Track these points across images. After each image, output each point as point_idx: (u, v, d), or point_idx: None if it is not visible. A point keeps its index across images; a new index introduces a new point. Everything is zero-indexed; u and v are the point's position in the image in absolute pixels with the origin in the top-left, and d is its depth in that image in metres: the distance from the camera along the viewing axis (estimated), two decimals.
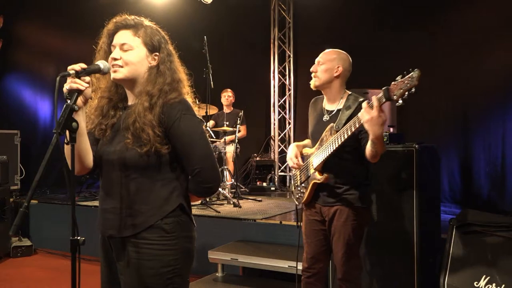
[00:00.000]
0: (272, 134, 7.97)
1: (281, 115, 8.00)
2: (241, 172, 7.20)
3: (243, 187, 6.74)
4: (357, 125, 2.30)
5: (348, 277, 2.59)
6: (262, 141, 7.92)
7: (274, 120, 7.97)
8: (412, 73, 2.07)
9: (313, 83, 2.66)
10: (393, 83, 2.12)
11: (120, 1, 6.06)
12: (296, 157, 2.72)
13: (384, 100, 2.15)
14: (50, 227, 5.56)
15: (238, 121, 5.92)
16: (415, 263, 3.06)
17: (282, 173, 7.84)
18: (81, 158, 1.74)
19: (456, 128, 5.74)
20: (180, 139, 1.70)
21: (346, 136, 2.38)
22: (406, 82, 2.07)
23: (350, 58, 2.67)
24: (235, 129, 5.93)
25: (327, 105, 2.68)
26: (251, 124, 6.94)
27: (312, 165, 2.61)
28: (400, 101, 2.11)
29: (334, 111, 2.61)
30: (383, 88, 2.15)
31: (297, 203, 2.82)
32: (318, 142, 2.62)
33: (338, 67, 2.59)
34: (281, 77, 7.94)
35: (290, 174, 7.82)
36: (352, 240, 2.55)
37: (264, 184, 7.02)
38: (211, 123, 6.50)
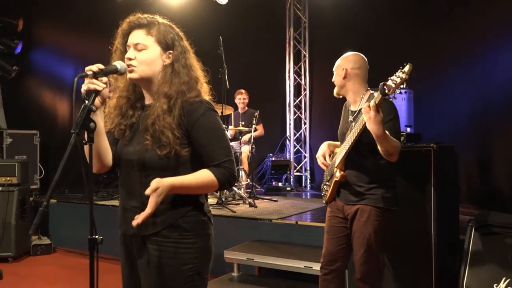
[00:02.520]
0: (287, 134, 7.95)
1: (296, 115, 7.98)
2: (256, 172, 7.20)
3: (259, 187, 6.74)
4: (363, 123, 2.36)
5: (366, 278, 2.57)
6: (278, 141, 7.91)
7: (290, 120, 7.95)
8: (404, 67, 2.17)
9: (334, 92, 2.76)
10: (390, 78, 2.20)
11: (137, 2, 6.12)
12: (323, 156, 2.75)
13: (380, 96, 2.22)
14: (68, 226, 5.64)
15: (254, 121, 5.93)
16: (433, 264, 3.02)
17: (298, 173, 7.82)
18: (101, 157, 1.76)
19: (475, 128, 5.64)
20: (206, 134, 1.71)
21: (357, 134, 2.44)
22: (398, 77, 2.16)
23: (360, 57, 2.69)
24: (250, 129, 5.94)
25: (351, 107, 2.73)
26: (267, 124, 6.94)
27: (335, 163, 2.65)
28: (392, 96, 2.22)
29: (356, 112, 2.64)
30: (380, 84, 2.23)
31: (323, 201, 2.85)
32: (343, 141, 2.66)
33: (343, 69, 2.65)
34: (296, 77, 7.92)
35: (306, 174, 7.80)
36: (372, 240, 2.53)
37: (280, 184, 7.01)
38: (229, 133, 6.41)
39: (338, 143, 2.83)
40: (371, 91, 2.64)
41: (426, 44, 5.98)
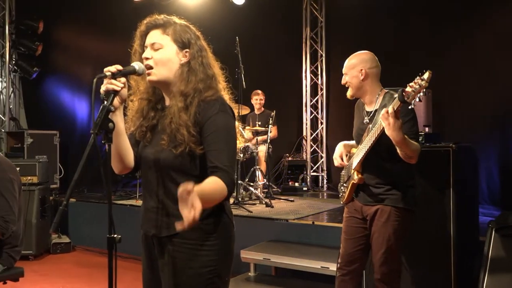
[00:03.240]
0: (304, 134, 7.93)
1: (313, 115, 7.95)
2: (273, 172, 7.20)
3: (275, 187, 6.73)
4: (382, 127, 2.33)
5: (386, 279, 2.55)
6: (294, 141, 7.89)
7: (306, 120, 7.92)
8: (424, 74, 2.10)
9: (348, 94, 2.68)
10: (408, 85, 2.14)
11: (154, 3, 6.18)
12: (340, 157, 2.73)
13: (398, 103, 2.18)
14: (87, 225, 5.72)
15: (270, 121, 5.92)
16: (452, 266, 2.98)
17: (314, 173, 7.78)
18: (122, 157, 1.77)
19: (495, 128, 5.55)
20: (214, 133, 1.69)
21: (376, 136, 2.40)
22: (417, 84, 2.10)
23: (372, 55, 2.64)
24: (267, 129, 5.94)
25: (367, 107, 2.68)
26: (283, 124, 6.93)
27: (352, 165, 2.62)
28: (412, 105, 2.15)
29: (372, 112, 2.60)
30: (399, 90, 2.18)
31: (341, 202, 2.83)
32: (360, 143, 2.63)
33: (361, 70, 2.57)
34: (313, 77, 7.89)
35: (323, 174, 7.76)
36: (392, 241, 2.50)
37: (296, 184, 6.99)
38: (246, 134, 6.36)
39: (354, 142, 2.81)
40: (386, 90, 2.60)
41: (445, 43, 5.90)
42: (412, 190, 2.57)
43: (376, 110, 2.56)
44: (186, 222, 1.40)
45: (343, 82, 2.67)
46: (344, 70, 2.66)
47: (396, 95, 2.49)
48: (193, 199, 1.40)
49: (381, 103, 2.55)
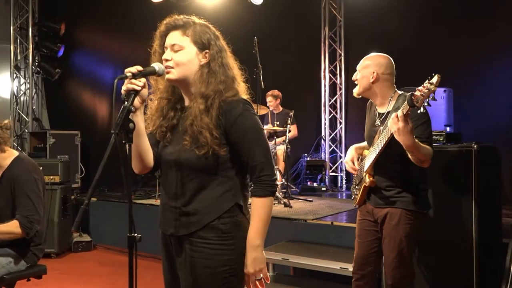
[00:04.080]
0: (322, 134, 7.89)
1: (332, 114, 7.90)
2: (291, 172, 7.18)
3: (294, 187, 6.72)
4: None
5: (398, 284, 2.50)
6: (313, 141, 7.86)
7: (325, 119, 7.88)
8: (432, 78, 2.06)
9: (355, 91, 2.65)
10: (417, 89, 2.10)
11: (173, 4, 6.22)
12: (352, 161, 2.70)
13: (408, 107, 2.14)
14: (108, 223, 5.79)
15: (289, 121, 5.91)
16: (474, 269, 2.93)
17: (333, 173, 7.74)
18: (142, 157, 1.79)
19: None
20: (244, 135, 1.71)
21: (386, 139, 2.35)
22: (426, 88, 2.06)
23: (390, 60, 2.58)
24: (285, 129, 5.93)
25: (378, 109, 2.63)
26: (302, 124, 6.91)
27: (364, 168, 2.60)
28: (422, 109, 2.11)
29: (384, 114, 2.56)
30: (408, 94, 2.14)
31: (353, 204, 2.81)
32: (372, 145, 2.59)
33: (373, 72, 2.52)
34: (332, 76, 7.84)
35: (341, 174, 7.71)
36: (403, 244, 2.46)
37: (315, 184, 6.96)
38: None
39: (365, 144, 2.77)
40: (400, 92, 2.55)
41: (467, 41, 5.80)
42: (424, 193, 2.53)
43: (388, 112, 2.52)
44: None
45: (354, 78, 2.64)
46: (358, 67, 2.63)
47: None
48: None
49: (394, 105, 2.50)
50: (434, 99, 2.09)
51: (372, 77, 2.52)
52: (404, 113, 2.16)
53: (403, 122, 2.16)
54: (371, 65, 2.55)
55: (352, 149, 2.76)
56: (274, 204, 5.25)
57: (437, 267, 3.08)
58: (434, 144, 3.14)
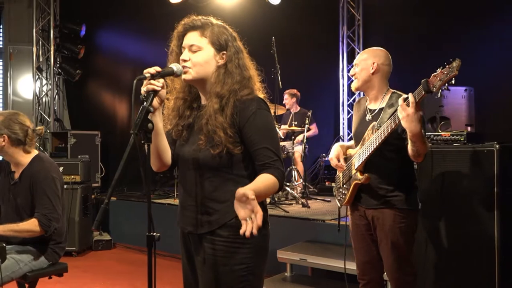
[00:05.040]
0: (341, 133, 7.83)
1: (350, 114, 7.84)
2: (309, 172, 7.15)
3: (312, 187, 6.69)
4: (397, 121, 2.23)
5: (401, 285, 2.47)
6: (331, 141, 7.81)
7: (343, 119, 7.83)
8: (452, 63, 2.04)
9: (353, 86, 2.62)
10: (433, 74, 2.08)
11: (191, 5, 6.26)
12: (337, 158, 2.65)
13: (423, 93, 2.10)
14: (127, 223, 5.86)
15: (307, 121, 5.89)
16: (496, 271, 2.87)
17: None
18: (160, 156, 1.81)
19: None
20: (257, 132, 1.71)
21: (386, 134, 2.31)
22: (446, 72, 2.04)
23: (388, 54, 2.58)
24: (303, 129, 5.91)
25: (370, 105, 2.61)
26: (320, 124, 6.87)
27: (354, 165, 2.54)
28: (439, 94, 2.08)
29: (377, 110, 2.53)
30: (422, 80, 2.11)
31: (339, 204, 2.75)
32: (361, 142, 2.55)
33: (373, 63, 2.52)
34: (350, 76, 7.78)
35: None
36: (401, 244, 2.43)
37: (333, 184, 6.91)
38: (282, 133, 6.41)
39: (349, 143, 2.74)
40: (393, 90, 2.54)
41: (487, 39, 5.69)
42: (415, 191, 2.50)
43: (381, 109, 2.49)
44: (248, 229, 1.45)
45: (351, 73, 2.61)
46: (355, 61, 2.61)
47: (404, 95, 2.40)
48: (254, 205, 1.46)
49: (387, 102, 2.49)
50: (447, 89, 2.05)
51: (372, 68, 2.52)
52: (417, 99, 2.12)
53: (414, 108, 2.11)
54: (370, 57, 2.56)
55: (337, 146, 2.71)
56: (292, 205, 5.30)
57: (457, 268, 3.03)
58: (454, 144, 3.12)
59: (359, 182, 2.49)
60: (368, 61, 2.54)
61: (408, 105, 2.13)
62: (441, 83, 2.04)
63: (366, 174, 2.47)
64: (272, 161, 1.69)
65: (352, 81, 2.67)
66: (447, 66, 2.05)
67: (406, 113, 2.13)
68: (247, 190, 1.48)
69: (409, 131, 2.16)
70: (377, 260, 2.56)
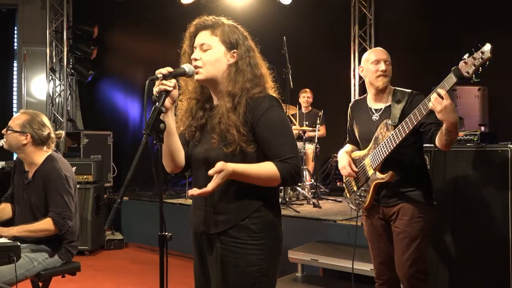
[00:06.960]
0: None
1: None
2: (320, 172, 7.13)
3: (323, 187, 6.67)
4: (424, 113, 2.22)
5: (414, 282, 2.44)
6: (342, 141, 7.74)
7: None
8: (482, 47, 2.02)
9: (383, 83, 2.55)
10: (462, 61, 2.07)
11: (203, 5, 6.28)
12: (350, 165, 2.62)
13: (454, 80, 2.09)
14: (139, 222, 5.89)
15: (318, 121, 5.88)
16: (510, 272, 2.84)
17: None
18: (173, 157, 1.81)
19: None
20: (271, 129, 1.71)
21: (408, 130, 2.30)
22: (478, 57, 2.02)
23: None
24: (314, 129, 5.90)
25: (374, 104, 2.60)
26: (331, 124, 6.85)
27: (371, 166, 2.51)
28: (474, 78, 2.06)
29: (383, 108, 2.54)
30: (453, 68, 2.10)
31: (356, 208, 2.70)
32: (372, 141, 2.53)
33: (391, 63, 2.58)
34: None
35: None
36: (419, 239, 2.42)
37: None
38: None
39: (349, 148, 2.73)
40: (393, 88, 2.58)
41: (502, 38, 5.61)
42: (430, 185, 2.51)
43: (388, 106, 2.51)
44: (196, 192, 1.61)
45: (383, 68, 2.52)
46: (386, 58, 2.57)
47: (408, 91, 2.49)
48: (217, 180, 1.59)
49: (393, 99, 2.51)
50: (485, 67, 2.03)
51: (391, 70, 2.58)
52: (447, 88, 2.11)
53: (449, 99, 2.11)
54: (388, 57, 2.59)
55: (344, 154, 2.68)
56: (303, 205, 5.29)
57: (471, 269, 3.00)
58: (468, 144, 3.10)
59: (382, 181, 2.47)
60: (389, 60, 2.59)
61: (441, 97, 2.11)
62: (475, 68, 2.03)
63: (391, 172, 2.43)
64: (287, 158, 1.69)
65: (363, 80, 2.66)
66: (479, 51, 2.03)
67: (442, 106, 2.12)
68: (220, 163, 1.60)
69: (448, 122, 2.16)
70: (393, 262, 2.55)
